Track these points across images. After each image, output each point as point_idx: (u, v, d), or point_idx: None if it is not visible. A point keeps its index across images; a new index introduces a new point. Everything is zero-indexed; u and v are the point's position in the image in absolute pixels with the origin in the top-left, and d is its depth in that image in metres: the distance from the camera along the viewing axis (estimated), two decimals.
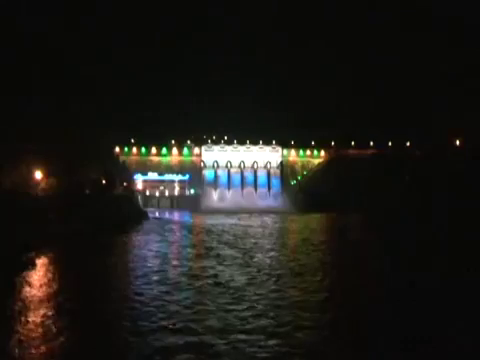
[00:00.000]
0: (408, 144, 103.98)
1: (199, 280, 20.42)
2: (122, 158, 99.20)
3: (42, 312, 14.33)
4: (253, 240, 36.97)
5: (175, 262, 25.85)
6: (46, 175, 36.72)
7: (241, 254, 28.35)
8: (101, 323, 13.36)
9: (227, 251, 29.85)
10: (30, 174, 35.46)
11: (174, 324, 13.50)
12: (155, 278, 20.60)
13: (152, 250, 30.71)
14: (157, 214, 77.21)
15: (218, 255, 27.96)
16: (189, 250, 31.31)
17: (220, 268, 23.33)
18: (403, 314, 14.53)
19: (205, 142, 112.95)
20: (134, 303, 15.84)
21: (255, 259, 26.45)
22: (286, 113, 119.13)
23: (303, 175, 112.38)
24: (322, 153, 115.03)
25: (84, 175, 44.51)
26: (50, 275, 20.72)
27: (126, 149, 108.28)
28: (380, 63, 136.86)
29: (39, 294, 16.68)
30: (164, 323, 13.43)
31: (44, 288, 17.89)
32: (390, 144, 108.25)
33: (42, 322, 13.35)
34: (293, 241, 37.86)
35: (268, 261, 25.80)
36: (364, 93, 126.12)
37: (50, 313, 14.20)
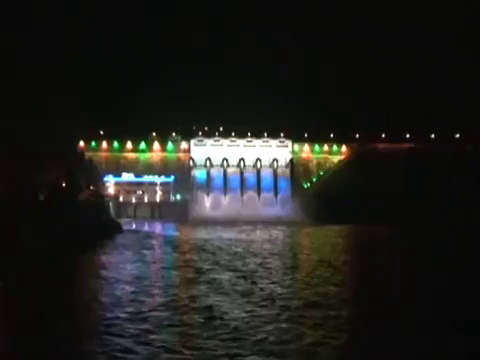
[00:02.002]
0: (457, 136, 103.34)
1: (185, 314, 19.70)
2: (88, 155, 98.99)
3: None
4: (257, 260, 36.88)
5: (155, 290, 25.35)
6: None
7: (242, 279, 28.09)
8: None
9: (224, 275, 29.63)
10: None
11: None
12: (125, 314, 19.72)
13: (125, 274, 30.35)
14: (134, 226, 77.25)
15: (212, 280, 27.63)
16: (174, 273, 31.00)
17: (214, 298, 22.85)
18: None
19: (195, 134, 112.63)
20: None
21: (260, 286, 26.13)
22: (298, 98, 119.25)
23: (319, 176, 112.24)
24: (343, 148, 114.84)
25: (37, 177, 43.88)
26: None
27: (93, 143, 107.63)
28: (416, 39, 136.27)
29: None
30: None
31: None
32: (433, 136, 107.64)
33: None
34: (308, 262, 37.60)
35: (277, 289, 25.48)
36: (397, 74, 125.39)
37: None
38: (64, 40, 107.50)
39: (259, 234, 65.06)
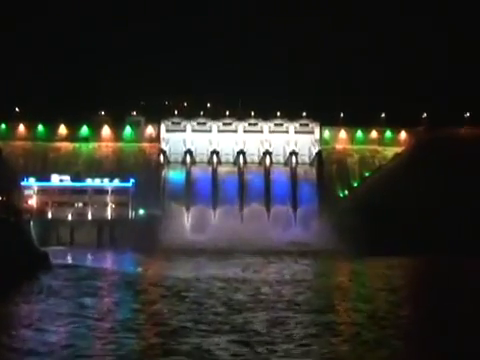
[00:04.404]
0: None
1: None
2: None
3: None
4: (268, 316, 36.94)
5: None
6: None
7: (245, 346, 27.94)
8: None
9: (215, 338, 29.74)
10: None
11: None
12: None
13: (47, 340, 29.54)
14: (69, 258, 77.78)
15: (195, 349, 27.29)
16: (132, 337, 30.49)
17: None
18: None
19: (168, 114, 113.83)
20: None
21: (275, 357, 26.15)
22: (328, 60, 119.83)
23: (363, 179, 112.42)
24: (402, 135, 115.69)
25: None
26: None
27: (3, 127, 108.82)
28: None
29: None
30: None
31: None
32: None
33: None
34: (350, 318, 37.89)
35: None
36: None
37: None
38: None
39: (271, 272, 65.59)
